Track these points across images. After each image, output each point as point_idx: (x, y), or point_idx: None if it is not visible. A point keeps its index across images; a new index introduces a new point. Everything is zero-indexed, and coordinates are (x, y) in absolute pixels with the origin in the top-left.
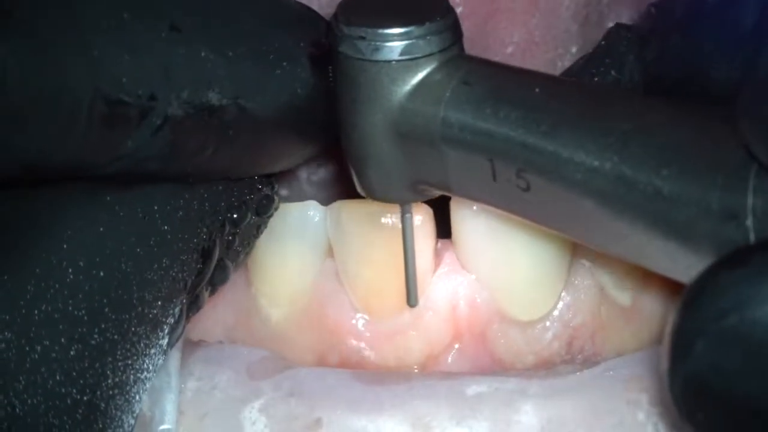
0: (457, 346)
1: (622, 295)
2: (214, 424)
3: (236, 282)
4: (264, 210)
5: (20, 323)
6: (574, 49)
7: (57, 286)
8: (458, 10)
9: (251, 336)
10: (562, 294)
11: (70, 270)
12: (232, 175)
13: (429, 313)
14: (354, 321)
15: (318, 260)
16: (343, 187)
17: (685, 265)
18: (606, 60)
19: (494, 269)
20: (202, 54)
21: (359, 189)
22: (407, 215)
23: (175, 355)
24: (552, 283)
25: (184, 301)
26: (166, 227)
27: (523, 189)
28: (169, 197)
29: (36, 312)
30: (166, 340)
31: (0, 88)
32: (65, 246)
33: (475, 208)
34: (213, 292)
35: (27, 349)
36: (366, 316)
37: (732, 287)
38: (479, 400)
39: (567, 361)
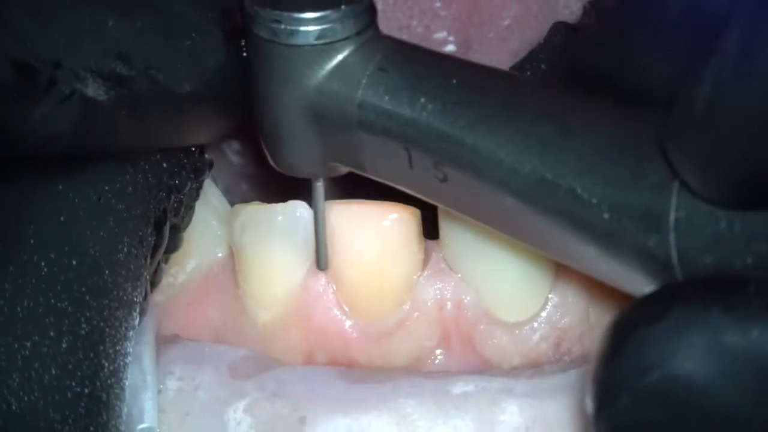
0: (444, 347)
1: (610, 295)
2: (197, 424)
3: (224, 283)
4: (200, 173)
5: (4, 321)
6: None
7: (34, 281)
8: None
9: (239, 337)
10: (550, 295)
11: (43, 263)
12: (152, 148)
13: (416, 315)
14: (341, 322)
15: (305, 261)
16: None
17: (607, 270)
18: (540, 56)
19: (481, 270)
20: (110, 23)
21: (271, 162)
22: (318, 184)
23: (147, 351)
24: (539, 284)
25: (148, 277)
26: (120, 206)
27: (440, 180)
28: (116, 175)
29: (19, 309)
30: (137, 320)
31: None
32: (32, 241)
33: None
34: (167, 261)
35: (16, 346)
36: (353, 318)
37: (652, 344)
38: (465, 399)
39: (555, 362)
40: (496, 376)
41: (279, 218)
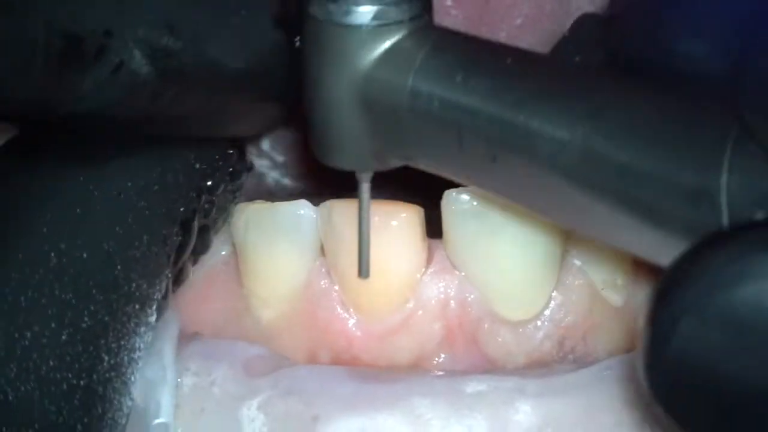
0: (448, 345)
1: (614, 295)
2: (211, 420)
3: (227, 281)
4: (237, 176)
5: (7, 310)
6: None
7: (41, 271)
8: None
9: (242, 335)
10: (554, 294)
11: (53, 254)
12: (195, 132)
13: (419, 313)
14: (345, 321)
15: (309, 259)
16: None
17: (654, 245)
18: (570, 47)
19: (485, 268)
20: None
21: (316, 154)
22: (364, 185)
23: (168, 347)
24: (543, 282)
25: (169, 275)
26: (143, 203)
27: (490, 160)
28: (141, 171)
29: (23, 299)
30: (154, 317)
31: None
32: (45, 230)
33: (466, 207)
34: (195, 262)
35: (16, 335)
36: (357, 316)
37: (717, 266)
38: (478, 399)
39: (558, 360)
40: (508, 375)
41: (283, 217)
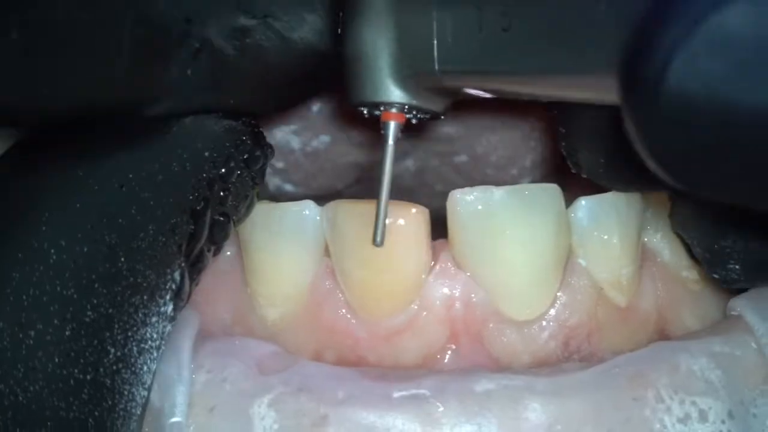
0: (453, 346)
1: (619, 295)
2: (223, 417)
3: (233, 281)
4: (254, 162)
5: (9, 311)
6: None
7: (41, 268)
8: None
9: (248, 335)
10: (558, 294)
11: (53, 250)
12: (272, 106)
13: (425, 313)
14: (350, 321)
15: (314, 260)
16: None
17: None
18: None
19: (490, 269)
20: None
21: (349, 96)
22: (390, 144)
23: (186, 346)
24: (548, 283)
25: (183, 264)
26: (146, 194)
27: (504, 29)
28: (143, 163)
29: (24, 297)
30: (169, 307)
31: (42, 24)
32: (44, 228)
33: (471, 208)
34: (217, 251)
35: (21, 335)
36: (362, 316)
37: None
38: (488, 397)
39: (563, 360)
40: (518, 374)
41: (288, 217)
